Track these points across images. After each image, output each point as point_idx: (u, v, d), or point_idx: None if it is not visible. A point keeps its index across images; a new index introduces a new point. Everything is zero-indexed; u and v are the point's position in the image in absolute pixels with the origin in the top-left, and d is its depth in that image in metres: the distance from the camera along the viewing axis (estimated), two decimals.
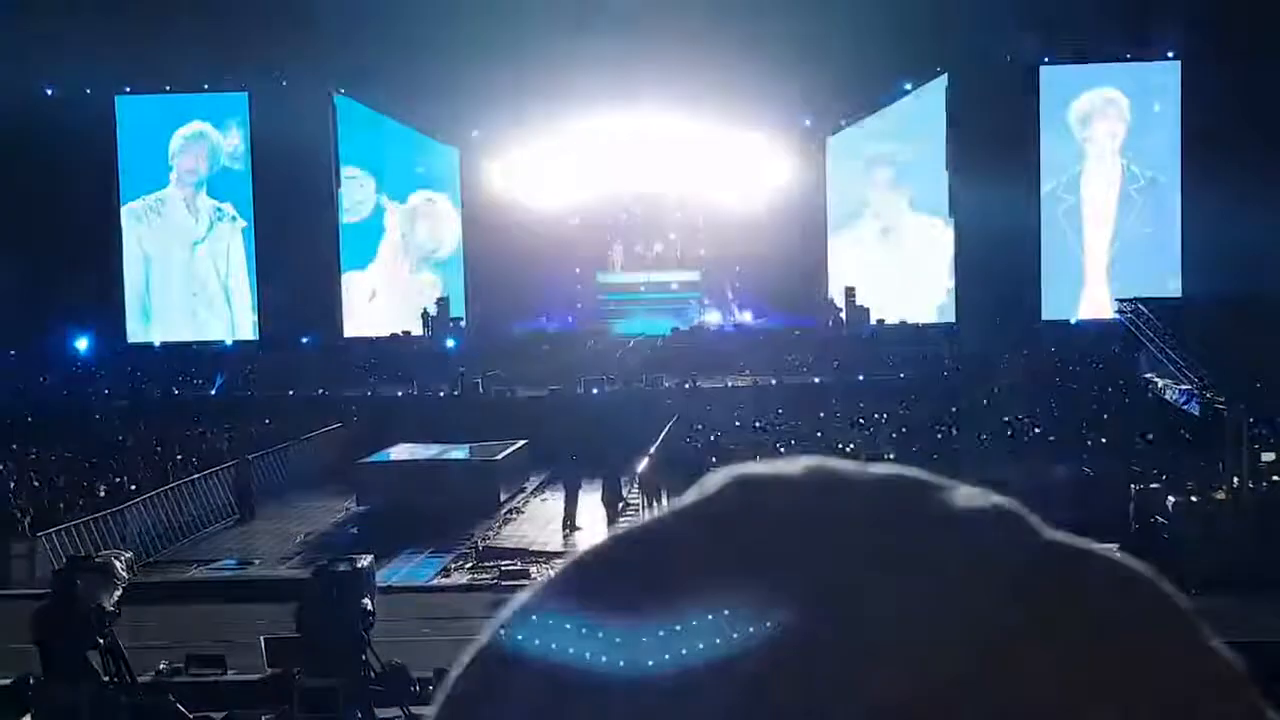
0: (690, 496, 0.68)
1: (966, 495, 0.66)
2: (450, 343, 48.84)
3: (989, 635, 0.59)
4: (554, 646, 0.63)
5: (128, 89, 53.36)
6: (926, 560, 0.61)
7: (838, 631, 0.59)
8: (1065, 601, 0.61)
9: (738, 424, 34.61)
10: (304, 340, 50.17)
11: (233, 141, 54.22)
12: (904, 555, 0.62)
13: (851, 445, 28.91)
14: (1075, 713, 0.58)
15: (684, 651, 0.60)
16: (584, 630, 0.62)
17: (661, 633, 0.61)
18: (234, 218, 54.42)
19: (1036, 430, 32.53)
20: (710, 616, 0.60)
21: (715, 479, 0.68)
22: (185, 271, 54.52)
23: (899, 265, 53.13)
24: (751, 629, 0.60)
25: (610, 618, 0.62)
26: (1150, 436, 29.92)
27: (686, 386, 40.45)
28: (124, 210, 54.14)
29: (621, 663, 0.61)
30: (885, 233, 54.07)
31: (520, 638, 0.64)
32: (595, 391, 40.64)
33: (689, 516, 0.67)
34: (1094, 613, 0.61)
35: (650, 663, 0.60)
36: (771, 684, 0.59)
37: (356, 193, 54.79)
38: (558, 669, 0.62)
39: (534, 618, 0.65)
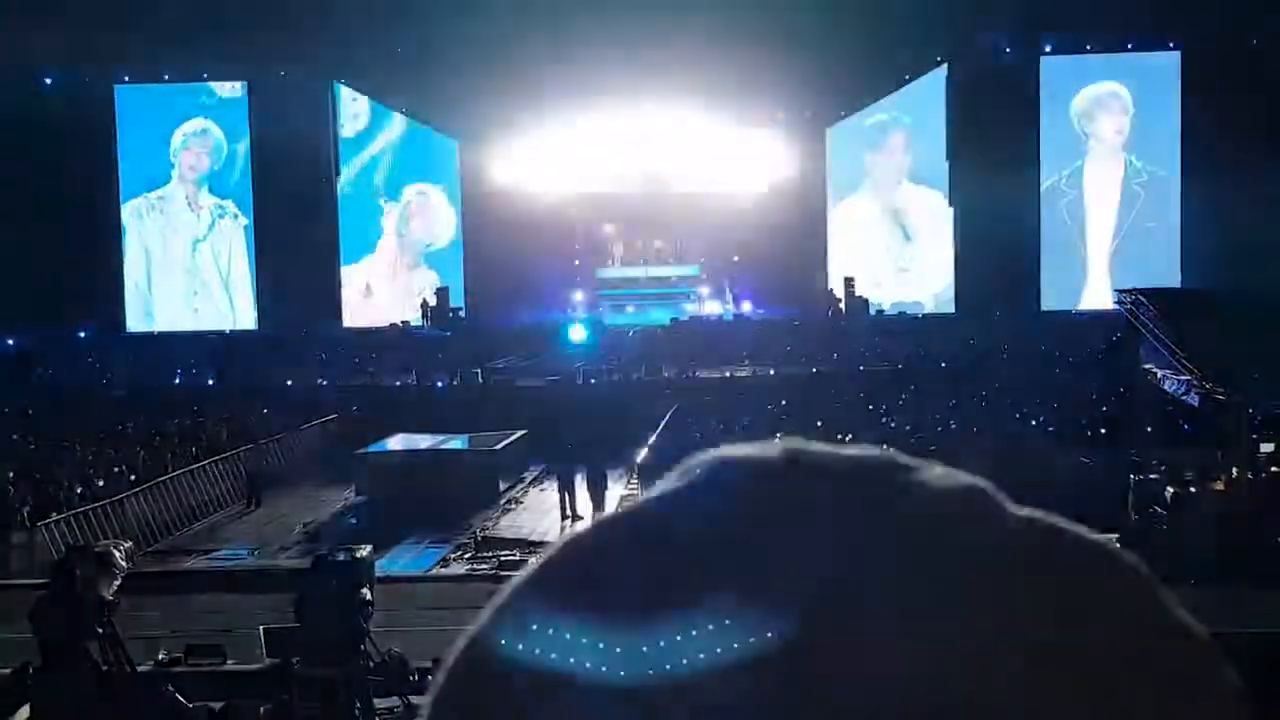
0: (672, 481, 0.68)
1: (936, 476, 0.66)
2: (448, 333, 48.87)
3: (972, 622, 0.59)
4: (538, 649, 0.62)
5: (126, 78, 53.29)
6: (901, 548, 0.62)
7: (835, 631, 0.59)
8: (1038, 579, 0.62)
9: (737, 414, 34.56)
10: (304, 331, 50.16)
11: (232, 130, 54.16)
12: (880, 545, 0.62)
13: (850, 435, 28.88)
14: (1050, 689, 0.58)
15: (675, 656, 0.59)
16: (568, 634, 0.61)
17: (652, 637, 0.60)
18: (235, 215, 54.39)
19: (1036, 420, 32.51)
20: (702, 621, 0.59)
21: (695, 462, 0.68)
22: (186, 268, 54.51)
23: (899, 252, 53.14)
24: (747, 632, 0.59)
25: (593, 621, 0.61)
26: (1149, 428, 29.90)
27: (686, 377, 40.44)
28: (126, 206, 54.12)
29: (608, 667, 0.60)
30: (885, 214, 54.01)
31: (505, 640, 0.63)
32: (594, 382, 40.60)
33: (672, 507, 0.66)
34: (1066, 589, 0.61)
35: (639, 667, 0.59)
36: (772, 689, 0.58)
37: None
38: (543, 671, 0.61)
39: (519, 619, 0.64)
